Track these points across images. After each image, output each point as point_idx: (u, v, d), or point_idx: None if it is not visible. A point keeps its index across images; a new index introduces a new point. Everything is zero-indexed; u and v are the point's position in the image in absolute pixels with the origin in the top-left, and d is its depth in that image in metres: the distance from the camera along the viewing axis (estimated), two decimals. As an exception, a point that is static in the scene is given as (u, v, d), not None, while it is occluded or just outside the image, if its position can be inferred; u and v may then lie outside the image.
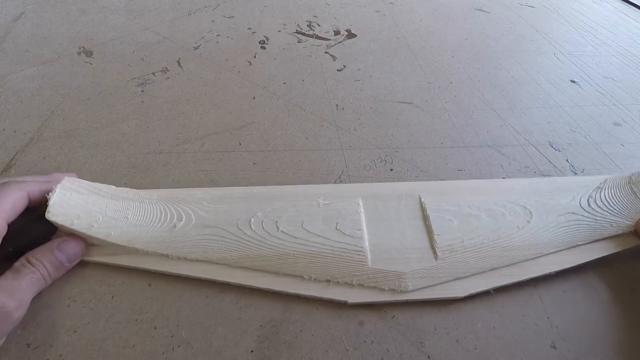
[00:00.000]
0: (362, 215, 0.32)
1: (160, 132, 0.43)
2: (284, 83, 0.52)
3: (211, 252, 0.29)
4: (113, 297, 0.28)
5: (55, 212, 0.27)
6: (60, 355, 0.25)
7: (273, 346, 0.26)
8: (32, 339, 0.26)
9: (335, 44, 0.62)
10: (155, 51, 0.56)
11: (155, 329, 0.27)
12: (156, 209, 0.31)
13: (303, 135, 0.44)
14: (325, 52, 0.59)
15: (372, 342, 0.27)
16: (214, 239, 0.30)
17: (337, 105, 0.49)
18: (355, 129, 0.45)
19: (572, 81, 0.57)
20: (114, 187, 0.32)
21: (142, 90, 0.49)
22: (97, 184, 0.31)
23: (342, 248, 0.30)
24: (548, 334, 0.28)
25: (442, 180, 0.39)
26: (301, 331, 0.27)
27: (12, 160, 0.38)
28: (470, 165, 0.41)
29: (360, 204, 0.33)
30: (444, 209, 0.33)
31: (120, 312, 0.28)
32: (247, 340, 0.27)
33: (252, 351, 0.26)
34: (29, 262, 0.26)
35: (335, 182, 0.38)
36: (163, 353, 0.26)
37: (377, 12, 0.73)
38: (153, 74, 0.52)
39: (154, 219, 0.30)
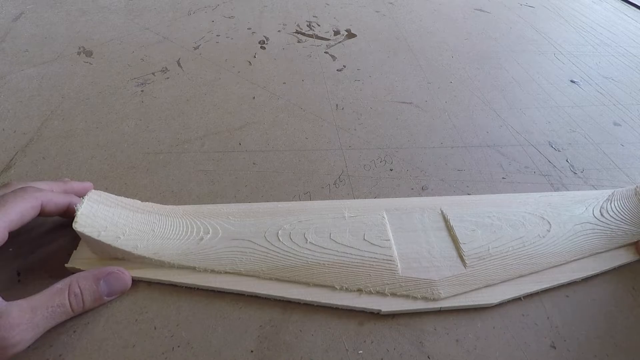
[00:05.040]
0: (388, 227, 0.33)
1: (160, 132, 0.43)
2: (284, 83, 0.52)
3: (239, 264, 0.29)
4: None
5: (83, 223, 0.27)
6: (60, 355, 0.25)
7: (273, 346, 0.26)
8: (32, 339, 0.26)
9: (335, 44, 0.62)
10: (155, 51, 0.56)
11: (155, 329, 0.27)
12: (182, 222, 0.31)
13: (303, 135, 0.44)
14: (325, 52, 0.59)
15: (372, 342, 0.27)
16: (242, 251, 0.30)
17: (337, 105, 0.49)
18: (355, 129, 0.45)
19: (572, 81, 0.57)
20: (139, 201, 0.32)
21: (142, 91, 0.49)
22: (122, 198, 0.31)
23: (371, 257, 0.30)
24: (548, 334, 0.28)
25: (442, 180, 0.39)
26: (301, 331, 0.27)
27: (11, 160, 0.38)
28: (470, 165, 0.41)
29: (385, 216, 0.34)
30: (466, 220, 0.34)
31: (120, 312, 0.27)
32: (247, 340, 0.27)
33: (252, 351, 0.26)
34: (71, 289, 0.25)
35: (334, 183, 0.38)
36: (163, 353, 0.26)
37: (377, 12, 0.73)
38: (153, 74, 0.52)
39: (180, 232, 0.30)
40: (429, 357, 0.27)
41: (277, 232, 0.31)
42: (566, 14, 0.79)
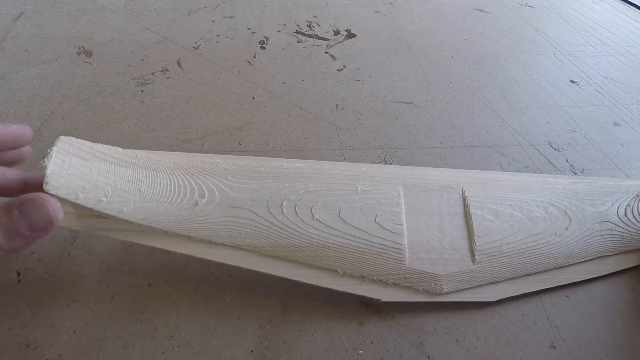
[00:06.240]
0: (403, 207, 0.30)
1: (160, 132, 0.43)
2: (284, 83, 0.52)
3: (239, 237, 0.27)
4: (113, 297, 0.28)
5: (55, 184, 0.22)
6: (60, 355, 0.25)
7: (273, 346, 0.26)
8: (32, 339, 0.26)
9: (335, 44, 0.62)
10: (155, 51, 0.56)
11: (155, 329, 0.27)
12: (173, 181, 0.27)
13: (303, 135, 0.44)
14: (325, 52, 0.59)
15: (372, 342, 0.27)
16: (242, 222, 0.27)
17: (337, 105, 0.49)
18: (355, 129, 0.45)
19: (572, 81, 0.57)
20: (121, 149, 0.26)
21: (142, 91, 0.49)
22: (100, 145, 0.25)
23: (380, 244, 0.29)
24: (548, 334, 0.28)
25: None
26: (301, 331, 0.27)
27: (11, 160, 0.38)
28: (470, 165, 0.41)
29: (401, 194, 0.31)
30: (486, 207, 0.31)
31: (120, 312, 0.27)
32: (247, 340, 0.27)
33: (252, 351, 0.26)
34: None
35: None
36: (163, 353, 0.26)
37: (377, 12, 0.73)
38: (153, 74, 0.52)
39: (172, 194, 0.26)
40: (429, 357, 0.27)
41: (282, 203, 0.28)
42: (566, 14, 0.79)
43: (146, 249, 0.31)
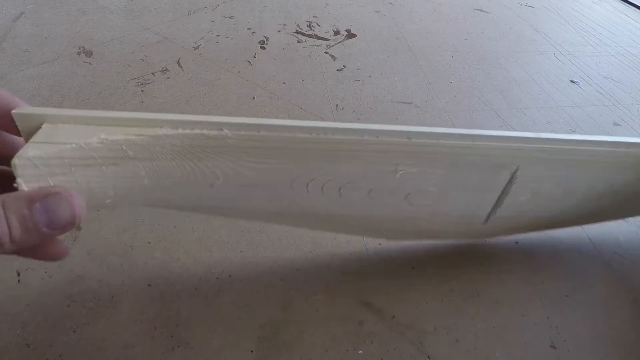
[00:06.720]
0: (436, 189, 0.27)
1: (160, 132, 0.43)
2: (284, 83, 0.52)
3: (260, 212, 0.26)
4: (113, 297, 0.28)
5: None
6: (60, 355, 0.25)
7: (273, 346, 0.26)
8: (32, 339, 0.26)
9: (335, 44, 0.62)
10: (155, 51, 0.56)
11: (155, 329, 0.27)
12: (179, 167, 0.22)
13: (303, 135, 0.44)
14: (325, 52, 0.59)
15: (372, 342, 0.27)
16: (263, 198, 0.25)
17: (337, 105, 0.49)
18: (355, 129, 0.45)
19: (572, 81, 0.57)
20: (95, 140, 0.19)
21: (142, 91, 0.48)
22: (68, 149, 0.19)
23: (405, 217, 0.28)
24: (548, 334, 0.28)
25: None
26: (301, 331, 0.27)
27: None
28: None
29: (443, 174, 0.27)
30: (529, 186, 0.28)
31: (120, 312, 0.27)
32: (247, 340, 0.27)
33: (252, 351, 0.26)
34: None
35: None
36: (163, 353, 0.26)
37: (377, 12, 0.73)
38: (153, 74, 0.52)
39: (181, 180, 0.23)
40: (429, 357, 0.27)
41: (308, 183, 0.25)
42: (566, 14, 0.79)
43: (146, 249, 0.31)
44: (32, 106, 0.20)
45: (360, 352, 0.27)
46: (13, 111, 0.19)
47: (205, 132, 0.21)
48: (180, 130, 0.21)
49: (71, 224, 0.19)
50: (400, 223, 0.29)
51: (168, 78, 0.51)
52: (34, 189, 0.18)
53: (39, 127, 0.19)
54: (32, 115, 0.19)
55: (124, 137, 0.20)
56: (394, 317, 0.28)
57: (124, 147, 0.20)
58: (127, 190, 0.22)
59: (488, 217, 0.29)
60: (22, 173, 0.18)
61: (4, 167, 0.21)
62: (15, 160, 0.18)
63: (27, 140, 0.19)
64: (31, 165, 0.18)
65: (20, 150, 0.18)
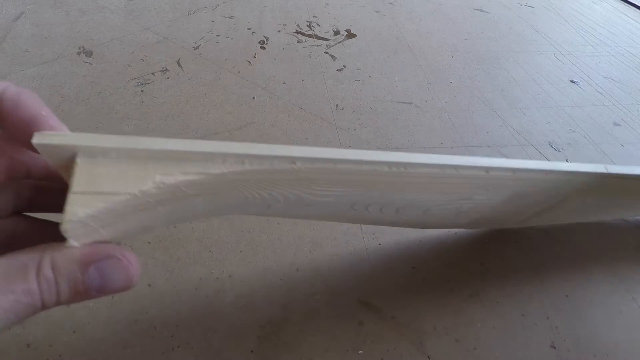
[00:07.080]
0: (491, 208, 0.28)
1: (160, 132, 0.43)
2: (284, 83, 0.52)
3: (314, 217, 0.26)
4: (113, 297, 0.28)
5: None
6: (60, 356, 0.25)
7: (273, 346, 0.26)
8: (32, 339, 0.26)
9: (335, 44, 0.62)
10: (155, 51, 0.56)
11: (155, 329, 0.27)
12: (238, 194, 0.20)
13: (303, 135, 0.44)
14: (325, 52, 0.59)
15: (372, 342, 0.27)
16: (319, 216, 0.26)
17: (337, 105, 0.49)
18: (355, 129, 0.45)
19: (572, 81, 0.57)
20: (129, 190, 0.16)
21: (142, 91, 0.48)
22: (112, 170, 0.17)
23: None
24: (548, 334, 0.28)
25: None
26: (301, 331, 0.27)
27: (11, 160, 0.38)
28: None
29: (500, 200, 0.27)
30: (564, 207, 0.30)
31: (120, 312, 0.27)
32: (247, 340, 0.27)
33: (252, 351, 0.26)
34: (40, 271, 0.15)
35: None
36: (163, 353, 0.26)
37: (377, 12, 0.73)
38: (153, 74, 0.52)
39: (236, 203, 0.21)
40: (429, 357, 0.27)
41: (368, 206, 0.24)
42: (566, 14, 0.79)
43: (146, 249, 0.31)
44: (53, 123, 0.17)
45: (360, 352, 0.27)
46: (34, 140, 0.16)
47: (276, 167, 0.19)
48: (247, 166, 0.18)
49: (125, 289, 0.17)
50: (445, 225, 0.32)
51: (168, 78, 0.51)
52: (88, 250, 0.16)
53: (70, 160, 0.16)
54: (60, 146, 0.16)
55: (183, 178, 0.17)
56: (394, 317, 0.28)
57: (183, 189, 0.18)
58: (177, 219, 0.20)
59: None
60: (73, 235, 0.15)
61: (33, 182, 0.20)
62: (66, 226, 0.15)
63: (60, 173, 0.17)
64: (81, 226, 0.16)
65: (66, 213, 0.15)
